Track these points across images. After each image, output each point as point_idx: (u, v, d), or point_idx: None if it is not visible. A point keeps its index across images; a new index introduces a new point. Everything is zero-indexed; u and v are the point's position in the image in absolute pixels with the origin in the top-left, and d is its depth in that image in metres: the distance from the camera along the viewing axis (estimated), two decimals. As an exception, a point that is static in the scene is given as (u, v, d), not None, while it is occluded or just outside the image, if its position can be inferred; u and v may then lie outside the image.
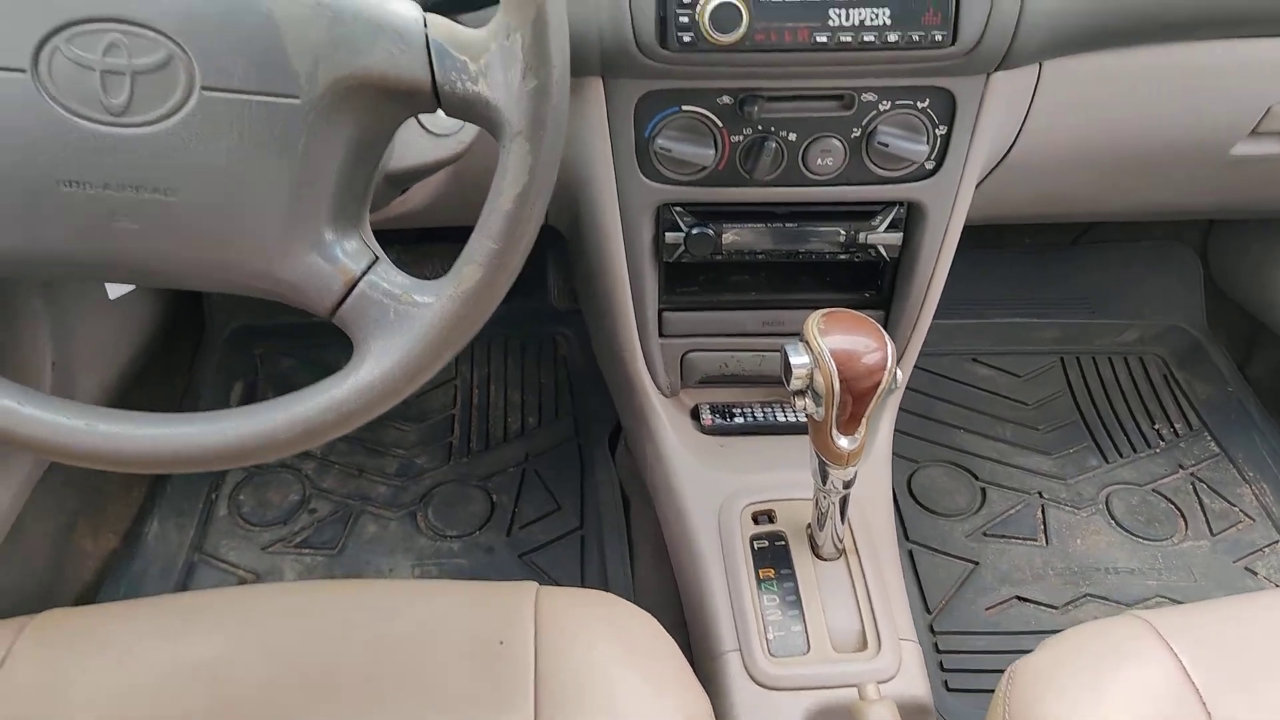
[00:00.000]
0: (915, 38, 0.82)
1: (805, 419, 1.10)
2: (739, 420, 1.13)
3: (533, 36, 0.55)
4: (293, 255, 0.59)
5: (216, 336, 1.70)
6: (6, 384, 0.60)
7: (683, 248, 0.98)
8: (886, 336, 0.83)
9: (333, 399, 0.61)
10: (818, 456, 0.89)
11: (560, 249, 1.76)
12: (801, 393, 0.85)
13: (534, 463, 1.55)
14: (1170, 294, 1.79)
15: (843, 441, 0.86)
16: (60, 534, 1.33)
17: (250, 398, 1.66)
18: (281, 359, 1.71)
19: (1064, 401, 1.68)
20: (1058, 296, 1.81)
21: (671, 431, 1.10)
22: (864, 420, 0.85)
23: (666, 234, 0.97)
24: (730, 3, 0.78)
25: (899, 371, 0.84)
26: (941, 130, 0.91)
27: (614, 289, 1.02)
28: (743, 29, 0.79)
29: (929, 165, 0.94)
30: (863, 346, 0.83)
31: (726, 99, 0.88)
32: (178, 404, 1.63)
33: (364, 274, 0.60)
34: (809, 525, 0.98)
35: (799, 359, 0.82)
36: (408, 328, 0.60)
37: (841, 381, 0.82)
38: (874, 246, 0.99)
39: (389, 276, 0.60)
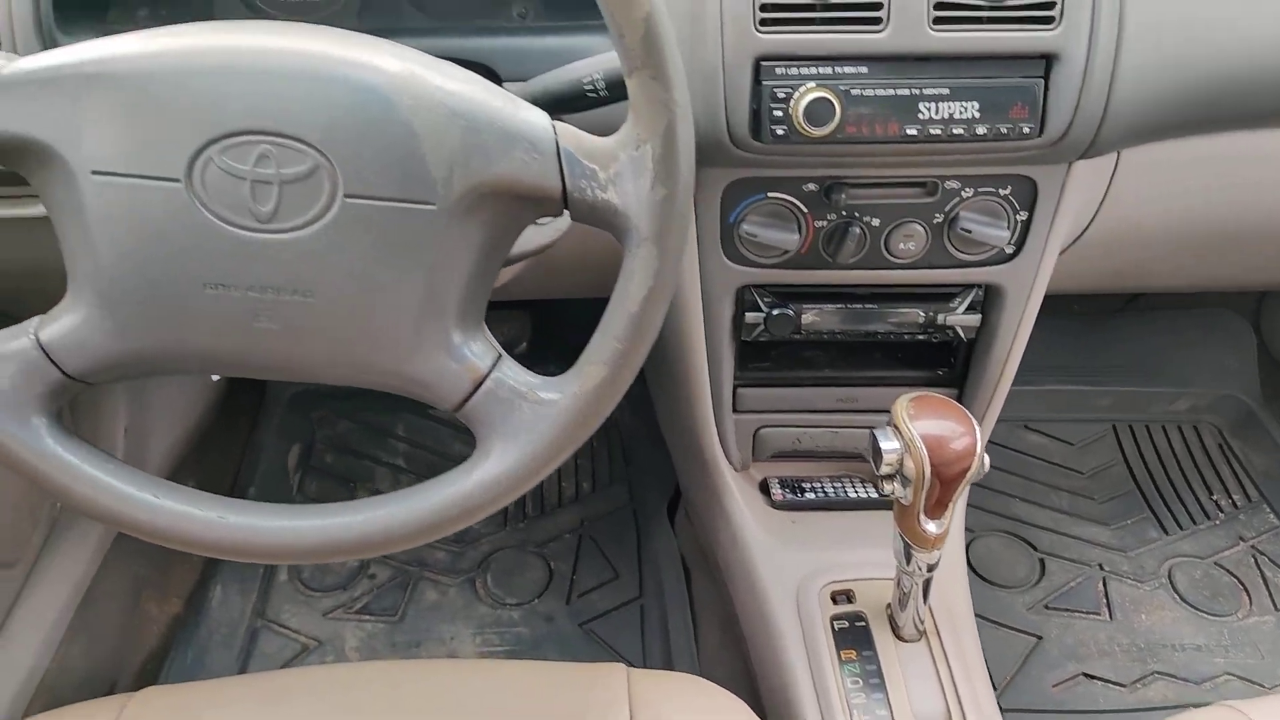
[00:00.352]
0: (1003, 130, 0.83)
1: (875, 495, 1.13)
2: (810, 496, 1.13)
3: (663, 148, 0.57)
4: (423, 354, 0.60)
5: (276, 400, 1.73)
6: (142, 476, 0.62)
7: (762, 327, 0.99)
8: (974, 422, 0.84)
9: (458, 493, 0.62)
10: (902, 538, 0.89)
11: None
12: (890, 477, 0.85)
13: (589, 529, 1.56)
14: (1223, 362, 1.79)
15: (930, 526, 0.86)
16: (129, 600, 1.34)
17: (307, 460, 1.67)
18: (338, 422, 1.73)
19: (1119, 470, 1.67)
20: (1108, 364, 1.81)
21: (745, 508, 1.10)
22: (951, 505, 0.86)
23: (746, 314, 0.99)
24: (824, 98, 0.80)
25: (986, 456, 0.85)
26: (1022, 216, 0.93)
27: (691, 366, 1.03)
28: (835, 123, 0.81)
29: (1009, 249, 0.95)
30: (951, 432, 0.83)
31: (812, 186, 0.90)
32: (238, 465, 1.65)
33: (490, 372, 0.61)
34: (888, 605, 0.97)
35: (889, 444, 0.83)
36: (533, 425, 0.61)
37: (931, 467, 0.82)
38: (952, 327, 1.00)
39: (514, 374, 0.62)
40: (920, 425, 0.83)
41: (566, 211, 0.60)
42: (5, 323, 0.62)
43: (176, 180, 0.56)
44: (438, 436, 1.70)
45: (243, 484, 1.61)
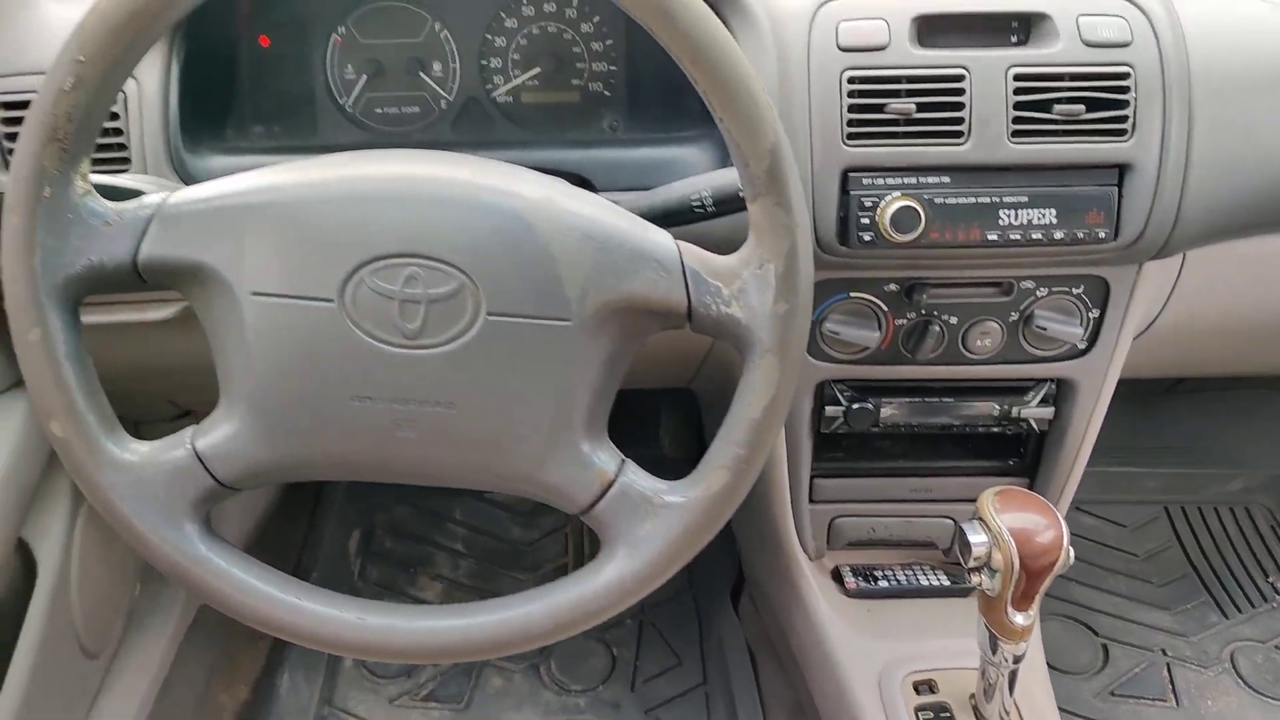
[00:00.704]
0: (1080, 235, 0.87)
1: (948, 583, 1.14)
2: (883, 584, 1.14)
3: (786, 267, 0.61)
4: (556, 462, 0.63)
5: (335, 487, 1.75)
6: (288, 579, 0.64)
7: (841, 420, 1.02)
8: (1059, 515, 0.86)
9: (584, 594, 0.64)
10: (988, 629, 0.90)
11: (673, 401, 1.81)
12: (977, 569, 0.87)
13: (650, 614, 1.56)
14: (1272, 442, 1.80)
15: (1018, 618, 0.88)
16: (201, 689, 1.35)
17: (367, 545, 1.70)
18: (397, 507, 1.75)
19: (1174, 553, 1.68)
20: (1158, 445, 1.82)
21: (820, 596, 1.11)
22: (1037, 597, 0.87)
23: (826, 407, 1.01)
24: (909, 206, 0.84)
25: (1071, 549, 0.86)
26: (1095, 314, 0.96)
27: (771, 457, 1.06)
28: (919, 229, 0.85)
29: (1081, 345, 0.98)
30: (1037, 525, 0.85)
31: (893, 286, 0.94)
32: (300, 552, 1.67)
33: (617, 477, 0.64)
34: (972, 696, 0.98)
35: (978, 538, 0.85)
36: (658, 528, 0.64)
37: (1020, 560, 0.84)
38: (1025, 420, 1.03)
39: (639, 479, 0.65)
40: (1007, 519, 0.85)
41: (689, 326, 0.64)
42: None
43: (330, 300, 0.60)
44: (496, 520, 1.72)
45: (305, 570, 1.63)
